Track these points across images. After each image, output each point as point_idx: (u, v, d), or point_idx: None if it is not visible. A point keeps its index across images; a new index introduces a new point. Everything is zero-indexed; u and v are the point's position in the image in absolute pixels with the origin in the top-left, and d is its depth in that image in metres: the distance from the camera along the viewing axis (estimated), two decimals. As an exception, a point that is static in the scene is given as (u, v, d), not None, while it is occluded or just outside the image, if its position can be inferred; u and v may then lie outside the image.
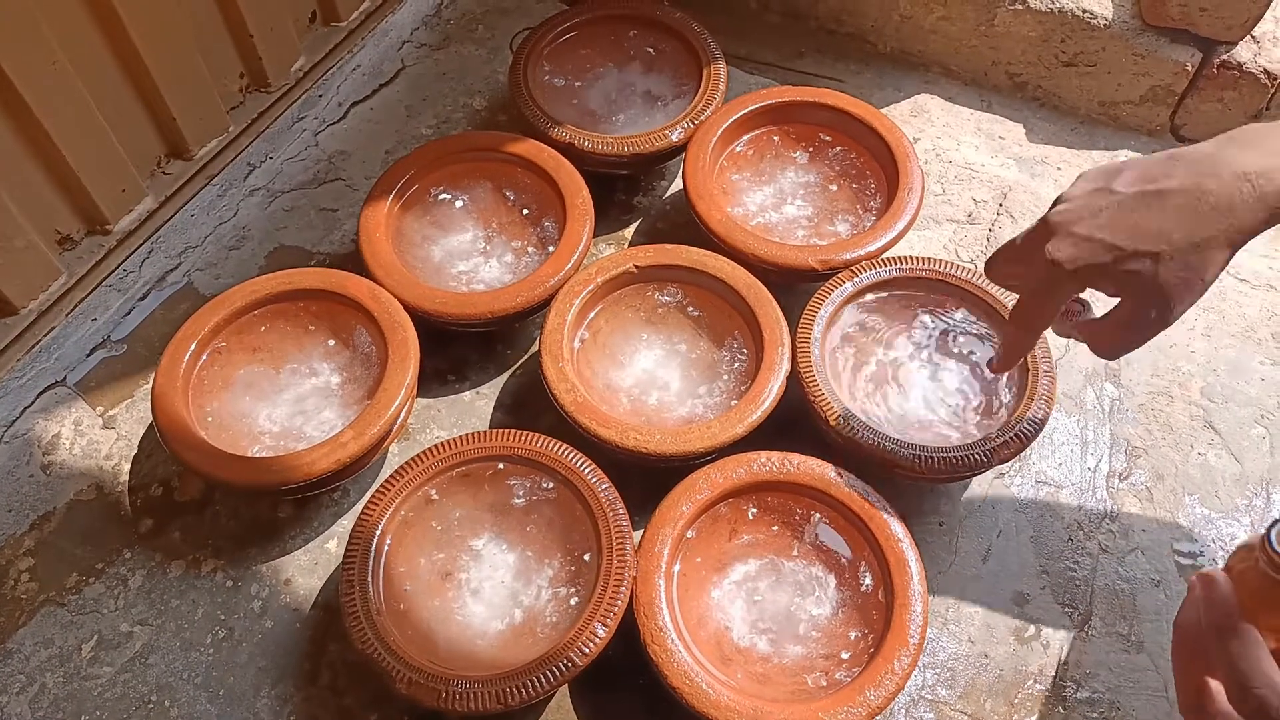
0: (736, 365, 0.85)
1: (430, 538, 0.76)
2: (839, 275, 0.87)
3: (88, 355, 0.94)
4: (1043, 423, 0.78)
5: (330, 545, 0.84)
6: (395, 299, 0.86)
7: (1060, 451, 0.88)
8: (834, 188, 0.98)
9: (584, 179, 0.95)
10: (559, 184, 0.94)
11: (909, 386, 0.84)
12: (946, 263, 0.87)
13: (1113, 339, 0.62)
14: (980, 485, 0.86)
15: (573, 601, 0.73)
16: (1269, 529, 0.44)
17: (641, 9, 1.09)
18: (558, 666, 0.67)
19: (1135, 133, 1.12)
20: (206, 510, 0.85)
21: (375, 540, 0.74)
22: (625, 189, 1.07)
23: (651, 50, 1.09)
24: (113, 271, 0.93)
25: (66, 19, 0.79)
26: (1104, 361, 0.93)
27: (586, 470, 0.76)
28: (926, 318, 0.87)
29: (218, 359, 0.85)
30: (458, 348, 0.94)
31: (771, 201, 0.97)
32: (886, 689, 0.66)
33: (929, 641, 0.77)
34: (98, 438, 0.89)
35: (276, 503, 0.85)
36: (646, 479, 0.81)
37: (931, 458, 0.76)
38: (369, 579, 0.72)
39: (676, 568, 0.74)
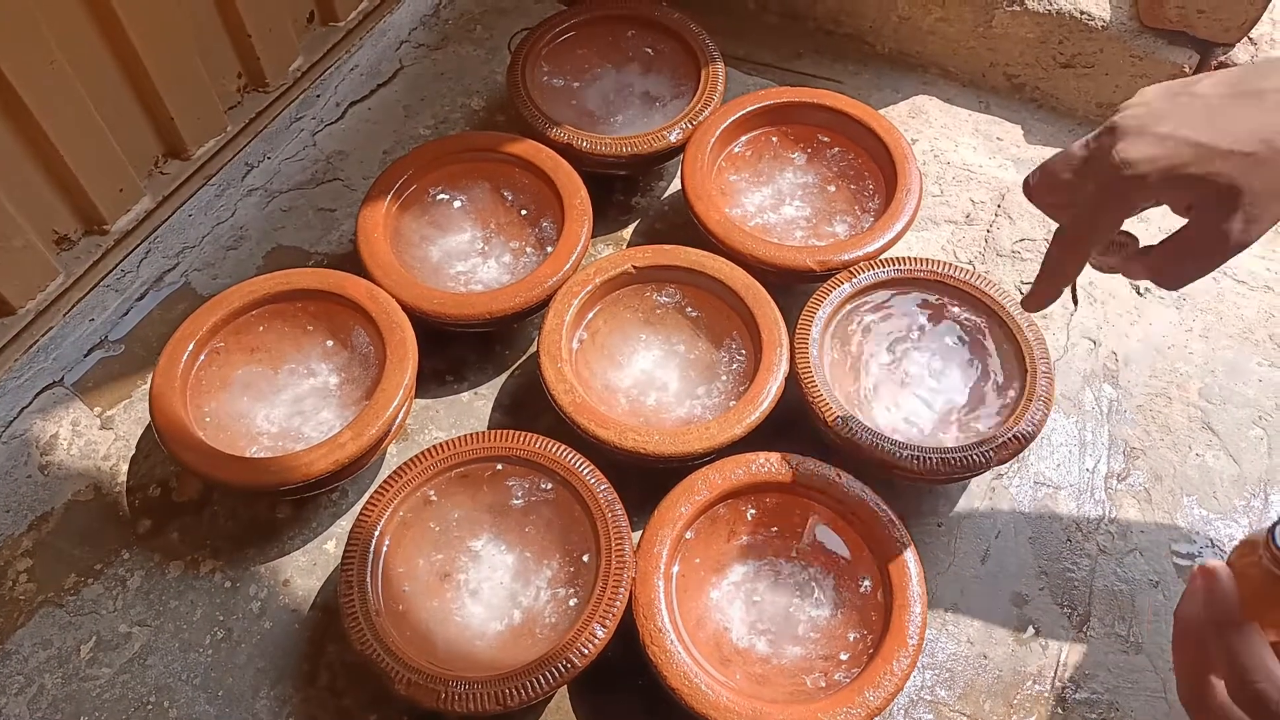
0: (735, 366, 0.86)
1: (429, 538, 0.76)
2: (837, 276, 0.87)
3: (85, 355, 0.94)
4: (1041, 424, 0.78)
5: (329, 546, 0.83)
6: (393, 299, 0.86)
7: (1059, 453, 0.88)
8: (832, 189, 0.98)
9: (582, 179, 0.95)
10: (557, 184, 0.94)
11: (907, 387, 0.84)
12: (945, 264, 0.87)
13: (1180, 263, 0.55)
14: (979, 486, 0.86)
15: (572, 602, 0.73)
16: (1273, 527, 0.44)
17: (640, 9, 1.09)
18: (557, 667, 0.67)
19: (1133, 134, 1.12)
20: (205, 511, 0.85)
21: (374, 541, 0.74)
22: (623, 189, 1.07)
23: (650, 51, 1.09)
24: (110, 271, 0.93)
25: (65, 19, 0.79)
26: (1102, 362, 0.93)
27: (585, 471, 0.76)
28: (925, 319, 0.87)
29: (216, 359, 0.85)
30: (456, 348, 0.94)
31: (770, 202, 0.97)
32: (885, 690, 0.66)
33: (928, 642, 0.77)
34: (96, 438, 0.89)
35: (275, 503, 0.85)
36: (645, 480, 0.81)
37: (930, 459, 0.76)
38: (368, 580, 0.72)
39: (675, 569, 0.74)
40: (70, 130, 0.82)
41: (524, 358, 0.95)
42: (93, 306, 0.93)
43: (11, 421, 0.89)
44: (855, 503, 0.75)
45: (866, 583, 0.74)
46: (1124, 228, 0.58)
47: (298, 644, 0.78)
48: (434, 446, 0.78)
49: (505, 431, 0.78)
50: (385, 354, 0.82)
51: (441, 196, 0.97)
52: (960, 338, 0.86)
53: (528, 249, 0.94)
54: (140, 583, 0.81)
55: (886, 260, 0.87)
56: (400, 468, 0.77)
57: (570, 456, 0.77)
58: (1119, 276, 0.98)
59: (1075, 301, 0.97)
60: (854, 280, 0.86)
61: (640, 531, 0.75)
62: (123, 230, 0.92)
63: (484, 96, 1.16)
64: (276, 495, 0.84)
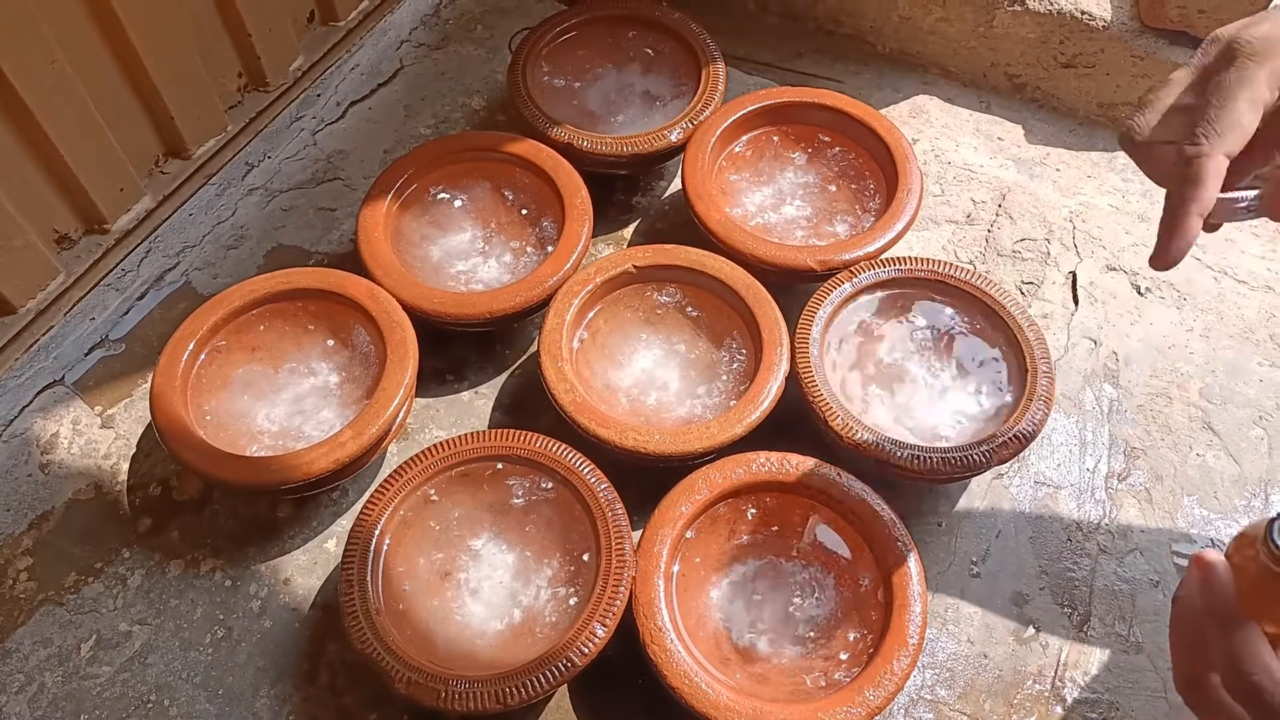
0: (735, 365, 0.86)
1: (429, 537, 0.76)
2: (838, 276, 0.87)
3: (86, 354, 0.94)
4: (1041, 423, 0.78)
5: (329, 545, 0.83)
6: (394, 299, 0.86)
7: (1059, 452, 0.88)
8: (833, 188, 0.98)
9: (583, 179, 0.95)
10: (558, 184, 0.94)
11: (908, 387, 0.84)
12: (945, 263, 0.87)
13: None
14: (979, 486, 0.86)
15: (572, 601, 0.73)
16: (1271, 523, 0.44)
17: (640, 9, 1.09)
18: (557, 666, 0.67)
19: (1133, 134, 1.12)
20: (205, 510, 0.85)
21: (374, 540, 0.74)
22: (624, 189, 1.07)
23: (650, 51, 1.09)
24: (111, 270, 0.93)
25: (65, 18, 0.79)
26: (1103, 362, 0.93)
27: (585, 470, 0.76)
28: (925, 318, 0.87)
29: (216, 358, 0.85)
30: (456, 347, 0.94)
31: (770, 202, 0.97)
32: (886, 689, 0.66)
33: (928, 642, 0.77)
34: (96, 437, 0.89)
35: (275, 502, 0.85)
36: (645, 479, 0.81)
37: (930, 458, 0.76)
38: (368, 579, 0.72)
39: (675, 568, 0.74)
40: (71, 129, 0.82)
41: (524, 357, 0.95)
42: (93, 305, 0.93)
43: (12, 420, 0.89)
44: (855, 502, 0.75)
45: (866, 582, 0.74)
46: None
47: (298, 643, 0.78)
48: (434, 446, 0.78)
49: (506, 431, 0.78)
50: (386, 353, 0.82)
51: (442, 196, 0.97)
52: (961, 337, 0.86)
53: (528, 248, 0.94)
54: (141, 581, 0.81)
55: (887, 260, 0.87)
56: (401, 467, 0.77)
57: (571, 456, 0.77)
58: (1120, 276, 0.98)
59: (1076, 301, 0.97)
60: (855, 280, 0.86)
61: (640, 531, 0.75)
62: (123, 229, 0.92)
63: (484, 96, 1.16)
64: (277, 494, 0.84)
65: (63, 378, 0.92)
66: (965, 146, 1.11)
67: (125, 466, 0.87)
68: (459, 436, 0.78)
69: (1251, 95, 0.49)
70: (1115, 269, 0.99)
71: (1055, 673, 0.76)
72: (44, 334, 0.89)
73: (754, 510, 0.77)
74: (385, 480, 0.77)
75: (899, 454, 0.76)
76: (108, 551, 0.83)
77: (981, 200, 1.05)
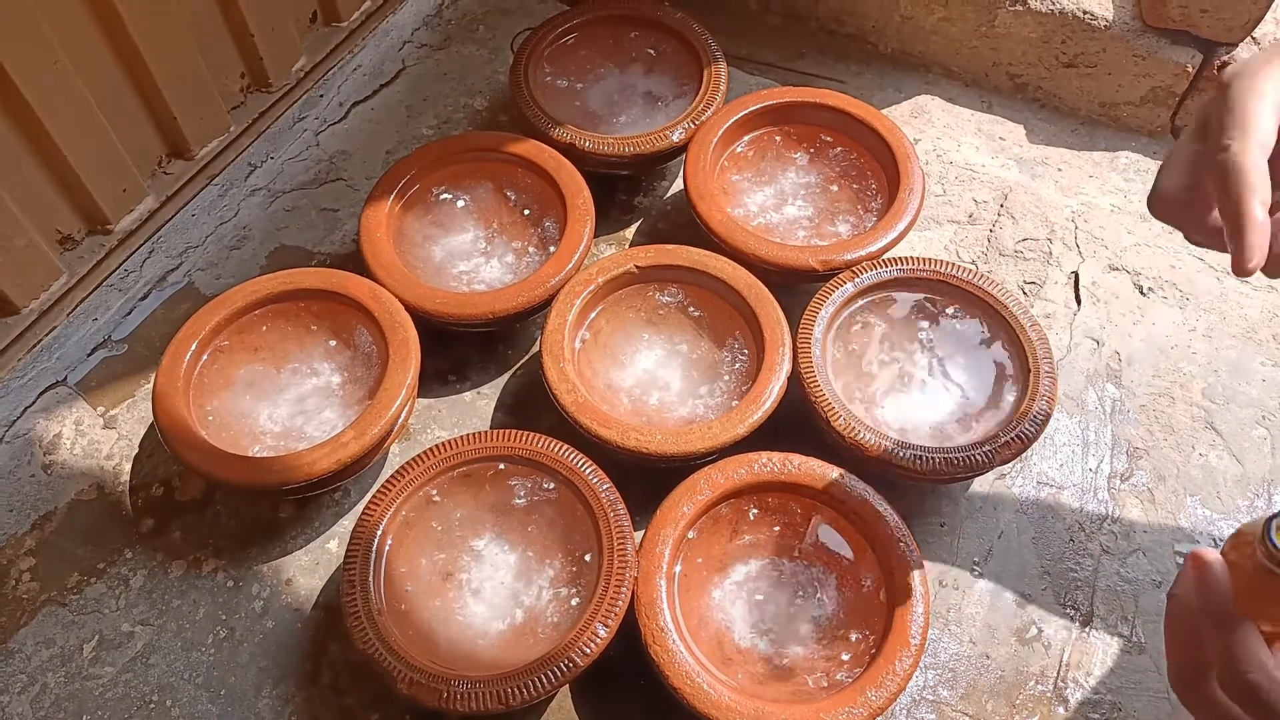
0: (737, 366, 0.85)
1: (431, 538, 0.76)
2: (840, 276, 0.87)
3: (89, 355, 0.94)
4: (1044, 424, 0.78)
5: (331, 545, 0.83)
6: (396, 299, 0.86)
7: (1062, 452, 0.88)
8: (835, 188, 0.98)
9: (585, 179, 0.95)
10: (560, 184, 0.94)
11: (910, 387, 0.84)
12: (947, 263, 0.87)
13: None
14: (981, 486, 0.86)
15: (574, 602, 0.73)
16: (1268, 522, 0.44)
17: (642, 10, 1.09)
18: (559, 667, 0.67)
19: (1136, 134, 1.12)
20: (207, 510, 0.85)
21: (376, 540, 0.74)
22: (626, 189, 1.07)
23: (652, 51, 1.09)
24: (114, 271, 0.93)
25: (68, 19, 0.79)
26: (1106, 362, 0.93)
27: (587, 470, 0.76)
28: (927, 318, 0.87)
29: (219, 359, 0.85)
30: (458, 348, 0.94)
31: (772, 202, 0.97)
32: (888, 689, 0.66)
33: (930, 642, 0.77)
34: (99, 437, 0.89)
35: (277, 503, 0.85)
36: (647, 479, 0.81)
37: (933, 458, 0.76)
38: (370, 579, 0.72)
39: (678, 568, 0.74)
40: (73, 130, 0.82)
41: (526, 357, 0.95)
42: (96, 306, 0.93)
43: (15, 421, 0.89)
44: (858, 502, 0.75)
45: (869, 582, 0.74)
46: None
47: (300, 643, 0.78)
48: (436, 446, 0.78)
49: (508, 431, 0.78)
50: (388, 353, 0.82)
51: (444, 196, 0.97)
52: (963, 337, 0.85)
53: (530, 249, 0.94)
54: (143, 582, 0.81)
55: (889, 260, 0.87)
56: (403, 467, 0.77)
57: (572, 456, 0.77)
58: (1123, 276, 0.98)
59: (1078, 300, 0.97)
60: (856, 280, 0.86)
61: (643, 531, 0.75)
62: (126, 230, 0.92)
63: (487, 96, 1.16)
64: (279, 494, 0.84)
65: (65, 378, 0.92)
66: (967, 146, 1.11)
67: (127, 467, 0.87)
68: (461, 437, 0.78)
69: (1259, 96, 0.47)
70: (1117, 269, 0.99)
71: (1058, 673, 0.76)
72: (47, 334, 0.89)
73: (756, 510, 0.77)
74: (387, 481, 0.77)
75: (901, 454, 0.76)
76: (110, 552, 0.83)
77: (983, 200, 1.05)
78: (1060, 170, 1.08)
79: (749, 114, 0.99)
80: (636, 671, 0.74)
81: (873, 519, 0.74)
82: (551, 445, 0.77)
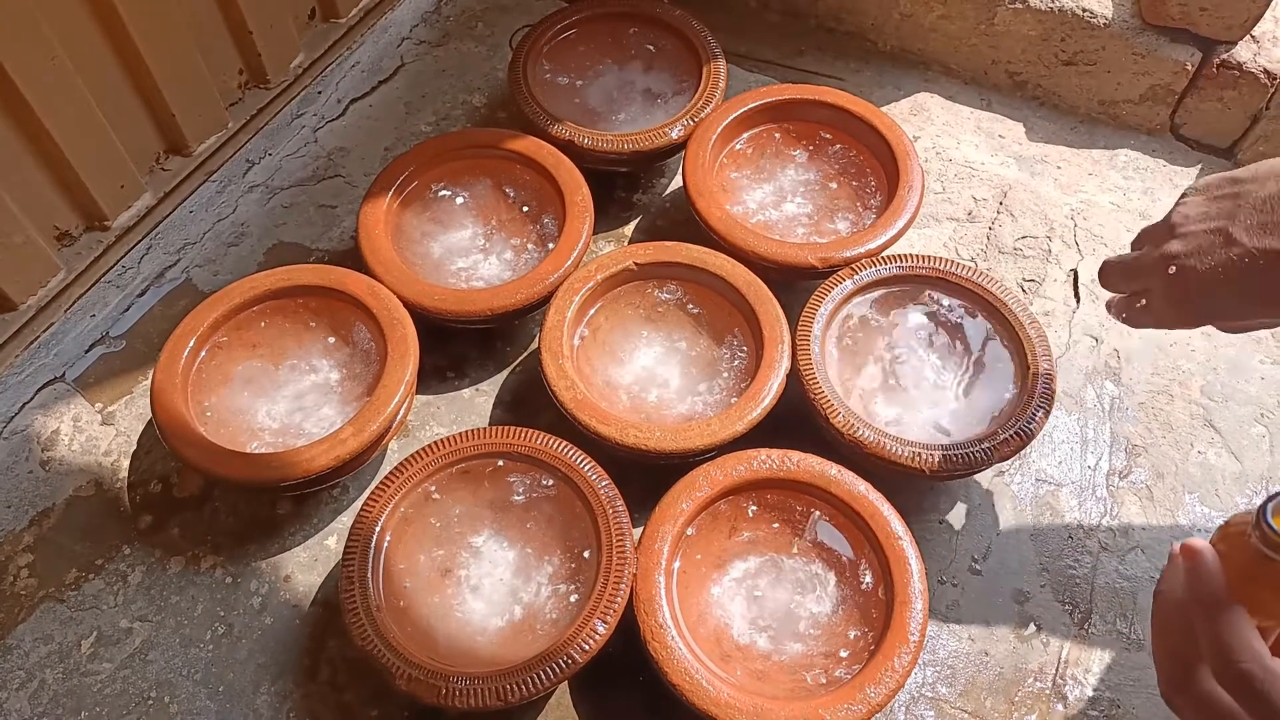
0: (736, 363, 0.85)
1: (430, 534, 0.76)
2: (839, 273, 0.87)
3: (86, 351, 0.94)
4: (1043, 421, 0.78)
5: (330, 542, 0.83)
6: (394, 296, 0.85)
7: (1060, 450, 0.88)
8: (834, 185, 0.98)
9: (584, 176, 0.94)
10: (559, 181, 0.94)
11: (909, 384, 0.84)
12: (947, 261, 0.87)
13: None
14: (981, 483, 0.86)
15: (573, 598, 0.73)
16: (1262, 506, 0.43)
17: (641, 6, 1.09)
18: (557, 663, 0.67)
19: (1135, 132, 1.12)
20: (206, 506, 0.85)
21: (375, 537, 0.74)
22: (625, 186, 1.07)
23: (651, 48, 1.09)
24: (111, 268, 0.93)
25: (66, 15, 0.79)
26: (1105, 360, 0.93)
27: (586, 467, 0.76)
28: (927, 315, 0.87)
29: (217, 355, 0.85)
30: (457, 344, 0.94)
31: (771, 199, 0.97)
32: (887, 686, 0.66)
33: (929, 639, 0.77)
34: (97, 434, 0.89)
35: (276, 499, 0.85)
36: (646, 476, 0.81)
37: (931, 455, 0.76)
38: (369, 575, 0.72)
39: (676, 565, 0.74)
40: (71, 126, 0.82)
41: (525, 354, 0.95)
42: (94, 302, 0.93)
43: (13, 417, 0.89)
44: (857, 499, 0.75)
45: (868, 579, 0.74)
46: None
47: (299, 639, 0.78)
48: (435, 443, 0.78)
49: (506, 428, 0.78)
50: (386, 350, 0.82)
51: (443, 193, 0.97)
52: (962, 334, 0.85)
53: (529, 245, 0.94)
54: (141, 578, 0.81)
55: (888, 257, 0.87)
56: (401, 464, 0.77)
57: (571, 453, 0.77)
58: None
59: (1077, 298, 0.97)
60: (856, 277, 0.86)
61: (641, 528, 0.75)
62: (124, 226, 0.92)
63: (485, 93, 1.16)
64: (277, 491, 0.84)
65: (63, 374, 0.92)
66: (966, 144, 1.11)
67: (126, 463, 0.87)
68: (460, 433, 0.78)
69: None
70: (1116, 266, 0.99)
71: (1056, 670, 0.76)
72: (44, 331, 0.89)
73: (755, 507, 0.77)
74: (386, 477, 0.76)
75: (900, 451, 0.76)
76: (108, 548, 0.83)
77: (983, 198, 1.05)
78: (1059, 168, 1.08)
79: (748, 111, 0.99)
80: (635, 668, 0.74)
81: (871, 516, 0.74)
82: (550, 442, 0.77)
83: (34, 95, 0.77)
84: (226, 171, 1.01)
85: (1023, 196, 1.05)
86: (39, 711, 0.75)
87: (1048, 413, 0.78)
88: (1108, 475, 0.86)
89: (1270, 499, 0.43)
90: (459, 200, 0.97)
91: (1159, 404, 0.90)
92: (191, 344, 0.83)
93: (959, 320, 0.86)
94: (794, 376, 0.82)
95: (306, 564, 0.82)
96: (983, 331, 0.85)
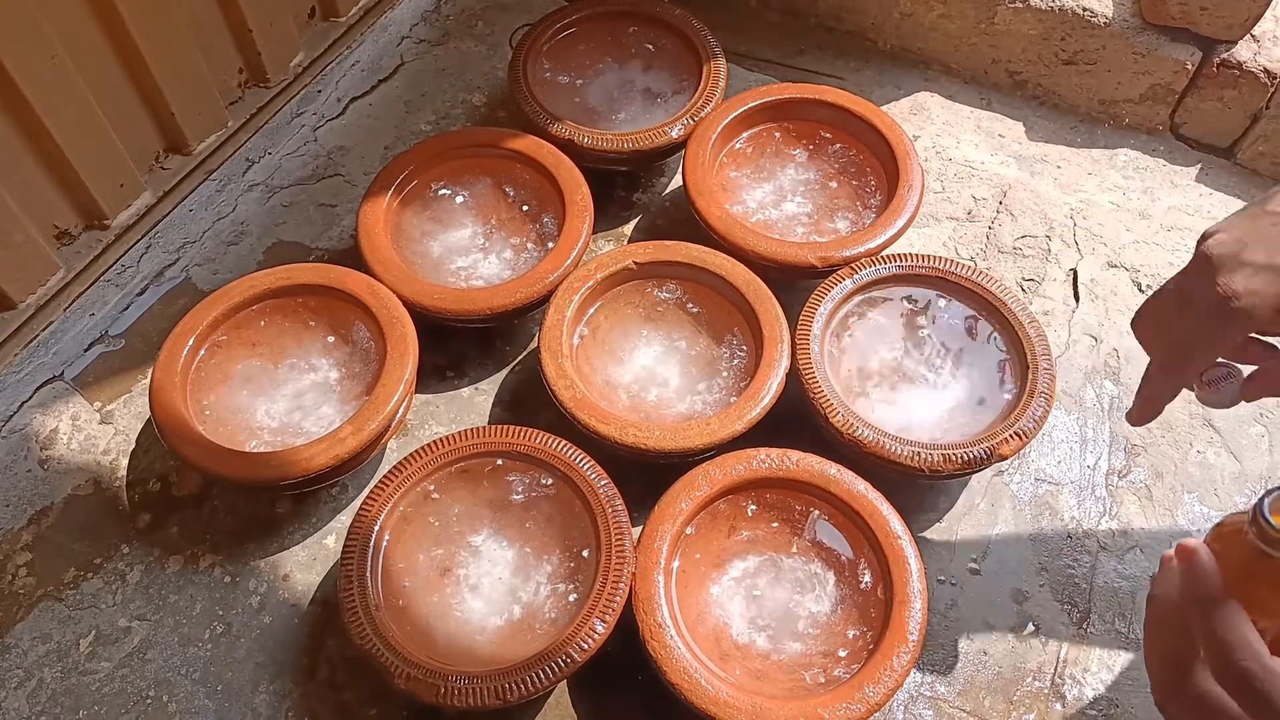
0: (736, 362, 0.85)
1: (429, 534, 0.76)
2: (839, 272, 0.87)
3: (85, 350, 0.94)
4: (1042, 420, 0.78)
5: (329, 541, 0.83)
6: (394, 295, 0.85)
7: (1060, 449, 0.88)
8: (834, 185, 0.98)
9: (583, 175, 0.94)
10: (558, 180, 0.94)
11: (908, 383, 0.83)
12: (946, 260, 0.87)
13: None
14: (980, 483, 0.86)
15: (571, 598, 0.73)
16: (1260, 500, 0.43)
17: (641, 6, 1.09)
18: (556, 662, 0.67)
19: (1135, 131, 1.12)
20: (204, 505, 0.85)
21: (374, 536, 0.74)
22: (625, 185, 1.07)
23: (651, 47, 1.09)
24: (111, 266, 0.93)
25: (66, 14, 0.78)
26: (1104, 359, 0.93)
27: (585, 466, 0.76)
28: (926, 315, 0.87)
29: (216, 354, 0.85)
30: (457, 344, 0.94)
31: (771, 198, 0.97)
32: (885, 686, 0.66)
33: (928, 638, 0.77)
34: (95, 433, 0.89)
35: (275, 498, 0.85)
36: (645, 475, 0.81)
37: (931, 455, 0.76)
38: (367, 574, 0.72)
39: (675, 564, 0.74)
40: (71, 125, 0.82)
41: (525, 353, 0.95)
42: (93, 301, 0.93)
43: (11, 416, 0.89)
44: (856, 499, 0.75)
45: (867, 579, 0.74)
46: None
47: (297, 639, 0.78)
48: (434, 442, 0.78)
49: (506, 427, 0.78)
50: (386, 349, 0.82)
51: (443, 192, 0.97)
52: (962, 334, 0.85)
53: (529, 245, 0.94)
54: (140, 577, 0.81)
55: (888, 256, 0.87)
56: (400, 463, 0.77)
57: (571, 452, 0.77)
58: (1121, 273, 0.98)
59: (1077, 298, 0.97)
60: (855, 276, 0.86)
61: (640, 527, 0.75)
62: (123, 225, 0.92)
63: (485, 92, 1.16)
64: (276, 490, 0.84)
65: (62, 373, 0.92)
66: (966, 143, 1.11)
67: (124, 462, 0.87)
68: (459, 433, 0.78)
69: (1220, 345, 0.55)
70: (1116, 266, 0.99)
71: (1055, 670, 0.76)
72: (44, 329, 0.89)
73: (754, 506, 0.77)
74: (385, 476, 0.76)
75: (899, 450, 0.76)
76: (107, 547, 0.83)
77: (982, 197, 1.05)
78: (1059, 167, 1.08)
79: (748, 110, 0.99)
80: (634, 667, 0.74)
81: (871, 515, 0.74)
82: (549, 441, 0.77)
83: (34, 94, 0.77)
84: (226, 170, 1.01)
85: (1022, 196, 1.05)
86: (37, 710, 0.75)
87: (1047, 412, 0.78)
88: (1107, 475, 0.86)
89: (1267, 494, 0.43)
90: (459, 199, 0.97)
91: (1158, 404, 0.90)
92: (191, 343, 0.83)
93: (958, 320, 0.86)
94: (793, 376, 0.82)
95: (305, 563, 0.82)
96: (982, 331, 0.85)
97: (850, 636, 0.71)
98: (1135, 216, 1.03)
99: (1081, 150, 1.10)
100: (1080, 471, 0.86)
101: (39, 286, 0.87)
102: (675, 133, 0.98)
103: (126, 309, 0.96)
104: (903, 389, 0.83)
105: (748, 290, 0.86)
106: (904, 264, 0.87)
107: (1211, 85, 1.05)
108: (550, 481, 0.78)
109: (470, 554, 0.75)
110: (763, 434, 0.79)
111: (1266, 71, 1.01)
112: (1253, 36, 1.03)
